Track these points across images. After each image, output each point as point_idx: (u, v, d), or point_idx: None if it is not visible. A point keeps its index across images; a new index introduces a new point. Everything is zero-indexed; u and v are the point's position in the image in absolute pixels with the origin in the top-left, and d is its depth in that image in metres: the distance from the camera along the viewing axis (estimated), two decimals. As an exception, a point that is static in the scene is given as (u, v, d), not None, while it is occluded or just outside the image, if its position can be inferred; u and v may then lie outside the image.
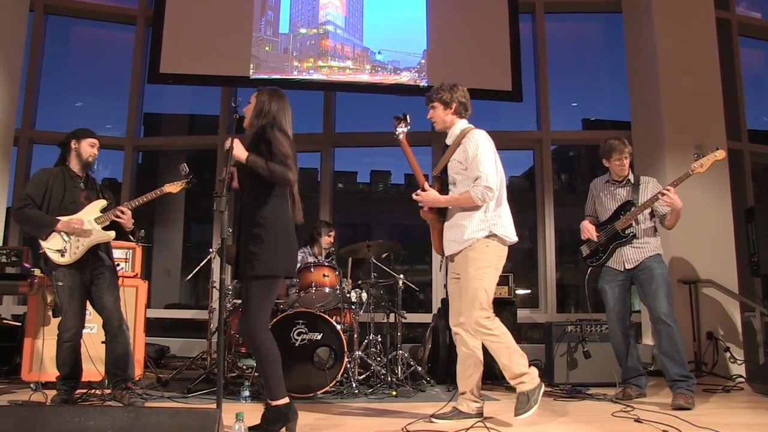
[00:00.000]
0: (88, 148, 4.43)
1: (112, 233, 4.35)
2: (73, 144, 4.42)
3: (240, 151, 3.40)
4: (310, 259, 5.86)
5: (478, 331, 3.75)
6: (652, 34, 7.15)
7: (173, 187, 4.47)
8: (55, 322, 4.35)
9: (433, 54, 7.52)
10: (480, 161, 3.81)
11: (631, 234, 4.80)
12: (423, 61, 7.50)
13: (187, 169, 4.35)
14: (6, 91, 6.64)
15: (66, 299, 4.17)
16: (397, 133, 4.10)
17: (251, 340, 3.39)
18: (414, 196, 4.01)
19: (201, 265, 5.93)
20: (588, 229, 4.96)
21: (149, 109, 8.70)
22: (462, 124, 4.09)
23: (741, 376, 5.99)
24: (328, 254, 5.98)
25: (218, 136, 8.05)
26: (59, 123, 8.50)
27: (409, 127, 4.13)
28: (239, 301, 5.42)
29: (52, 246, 4.18)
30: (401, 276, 5.63)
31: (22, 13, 7.12)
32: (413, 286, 6.15)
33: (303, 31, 7.55)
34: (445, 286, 6.54)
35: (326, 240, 6.11)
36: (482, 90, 7.05)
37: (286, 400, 3.39)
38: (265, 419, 3.39)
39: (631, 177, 4.95)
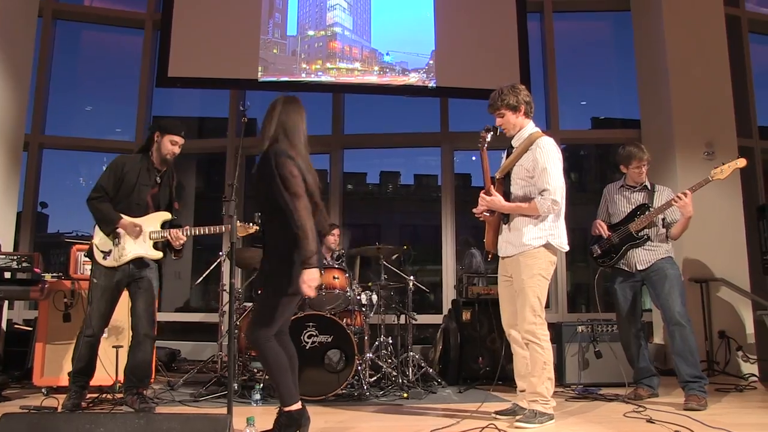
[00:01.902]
0: (168, 144, 4.35)
1: (160, 254, 4.32)
2: (156, 136, 4.36)
3: None
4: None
5: (527, 338, 3.86)
6: (662, 32, 7.11)
7: (241, 230, 4.46)
8: (66, 327, 4.36)
9: (442, 55, 7.50)
10: (550, 174, 3.85)
11: (645, 236, 4.79)
12: (431, 62, 7.49)
13: (259, 222, 4.22)
14: (16, 96, 6.67)
15: (96, 297, 4.15)
16: (481, 139, 4.06)
17: (260, 349, 3.37)
18: (481, 199, 4.04)
19: (211, 268, 5.94)
20: (601, 226, 4.95)
21: (158, 112, 8.72)
22: (531, 127, 4.10)
23: (754, 375, 5.95)
24: (338, 256, 5.97)
25: (227, 139, 8.06)
26: (69, 128, 8.54)
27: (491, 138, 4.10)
28: (250, 304, 5.44)
29: (100, 246, 4.18)
30: (411, 277, 5.62)
31: (31, 19, 7.14)
32: (423, 288, 6.14)
33: (311, 33, 7.55)
34: (455, 287, 6.59)
35: (330, 240, 6.06)
36: (491, 90, 7.00)
37: (298, 405, 3.37)
38: (277, 424, 3.37)
39: (647, 183, 4.94)
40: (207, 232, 4.40)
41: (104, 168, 4.33)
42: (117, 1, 8.84)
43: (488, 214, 4.11)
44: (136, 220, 4.23)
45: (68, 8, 8.31)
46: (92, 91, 9.25)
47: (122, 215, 4.19)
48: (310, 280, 3.24)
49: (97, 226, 4.23)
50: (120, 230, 4.16)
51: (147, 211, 4.30)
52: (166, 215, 4.37)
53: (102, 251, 4.18)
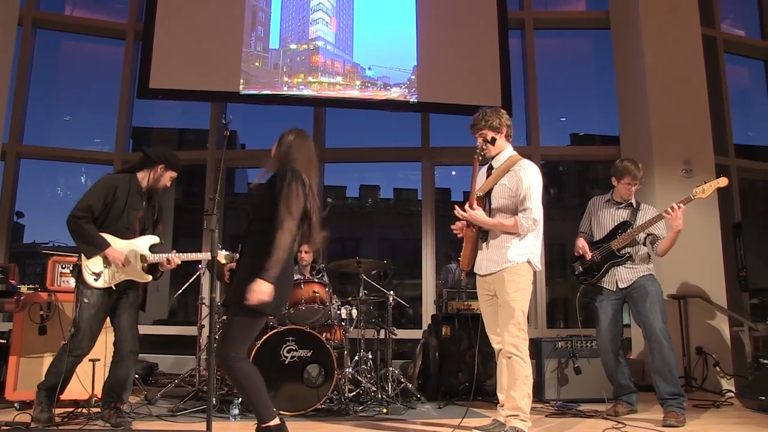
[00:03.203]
0: (168, 180, 4.38)
1: (150, 278, 4.30)
2: (160, 169, 4.33)
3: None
4: (297, 276, 5.80)
5: (510, 351, 3.86)
6: (641, 51, 7.21)
7: (222, 258, 4.46)
8: (41, 340, 4.29)
9: (423, 70, 7.54)
10: (532, 195, 3.94)
11: (626, 255, 4.81)
12: (413, 77, 7.52)
13: (238, 255, 4.10)
14: (-7, 105, 6.61)
15: (87, 317, 4.07)
16: (479, 149, 4.11)
17: (229, 369, 3.34)
18: (461, 212, 4.05)
19: (190, 281, 5.89)
20: (583, 247, 4.96)
21: (138, 123, 8.68)
22: (510, 150, 4.17)
23: (731, 391, 6.00)
24: (318, 270, 5.94)
25: (207, 150, 8.03)
26: (47, 138, 8.47)
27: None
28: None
29: (91, 267, 4.10)
30: (391, 292, 5.61)
31: (11, 27, 7.08)
32: (403, 303, 6.12)
33: (293, 46, 7.56)
34: (435, 302, 6.59)
35: (302, 257, 5.93)
36: (472, 106, 7.05)
37: (276, 420, 3.33)
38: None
39: (633, 201, 4.97)
40: (196, 257, 4.39)
41: (89, 183, 4.28)
42: (98, 10, 8.79)
43: (465, 229, 4.13)
44: (124, 247, 4.18)
45: (49, 17, 8.25)
46: (71, 101, 9.19)
47: (108, 241, 4.13)
48: (260, 291, 3.22)
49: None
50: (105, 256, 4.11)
51: (135, 234, 4.28)
52: (155, 239, 4.35)
53: (93, 273, 4.11)
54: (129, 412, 4.38)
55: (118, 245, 4.16)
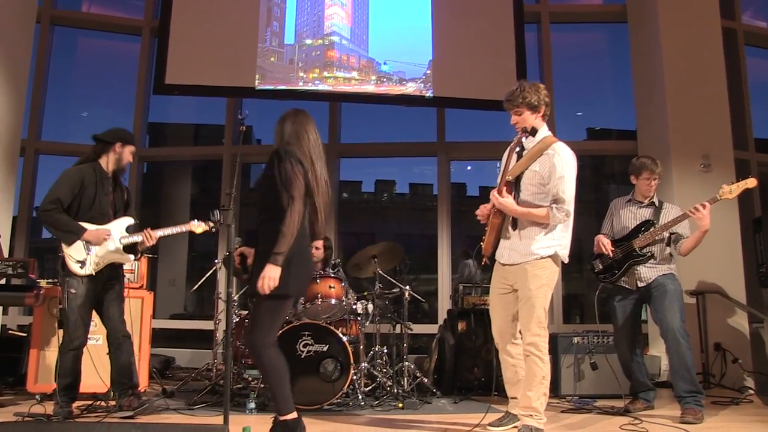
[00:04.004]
0: (129, 155, 4.46)
1: (131, 256, 4.38)
2: (118, 147, 4.41)
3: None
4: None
5: (529, 350, 3.73)
6: (658, 44, 7.14)
7: (198, 228, 4.46)
8: (60, 333, 4.32)
9: (439, 64, 7.52)
10: (566, 184, 3.70)
11: (648, 254, 4.73)
12: (428, 72, 7.50)
13: (218, 217, 4.17)
14: (12, 102, 6.65)
15: (76, 307, 4.15)
16: (517, 140, 3.89)
17: (258, 356, 3.36)
18: (492, 197, 3.85)
19: (206, 276, 5.92)
20: (604, 244, 4.84)
21: (154, 118, 8.72)
22: (545, 130, 3.91)
23: (750, 388, 5.94)
24: (334, 265, 5.95)
25: (223, 146, 8.06)
26: (65, 134, 8.54)
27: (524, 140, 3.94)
28: (245, 312, 5.42)
29: (74, 255, 4.17)
30: (407, 287, 5.60)
31: (29, 25, 7.14)
32: (419, 297, 6.12)
33: (308, 41, 7.56)
34: (451, 297, 6.58)
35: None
36: (487, 100, 7.05)
37: (294, 414, 3.35)
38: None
39: (655, 200, 4.89)
40: (173, 231, 4.46)
41: (61, 178, 4.28)
42: (114, 7, 8.86)
43: (492, 218, 3.92)
44: (102, 228, 4.26)
45: (66, 14, 8.32)
46: (88, 97, 9.26)
47: (85, 226, 4.21)
48: (269, 277, 3.24)
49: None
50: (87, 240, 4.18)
51: (110, 219, 4.35)
52: (130, 220, 4.43)
53: (78, 261, 4.17)
54: (148, 399, 4.43)
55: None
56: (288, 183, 3.34)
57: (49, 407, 4.17)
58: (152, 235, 4.33)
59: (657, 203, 4.88)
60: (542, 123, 3.91)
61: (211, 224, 4.39)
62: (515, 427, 3.84)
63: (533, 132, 3.85)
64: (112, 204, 4.39)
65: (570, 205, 3.72)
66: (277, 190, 3.36)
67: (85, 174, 4.29)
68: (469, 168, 9.44)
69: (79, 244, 4.17)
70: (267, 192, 3.45)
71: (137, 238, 4.32)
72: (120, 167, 4.45)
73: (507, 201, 3.79)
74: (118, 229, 4.33)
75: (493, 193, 3.86)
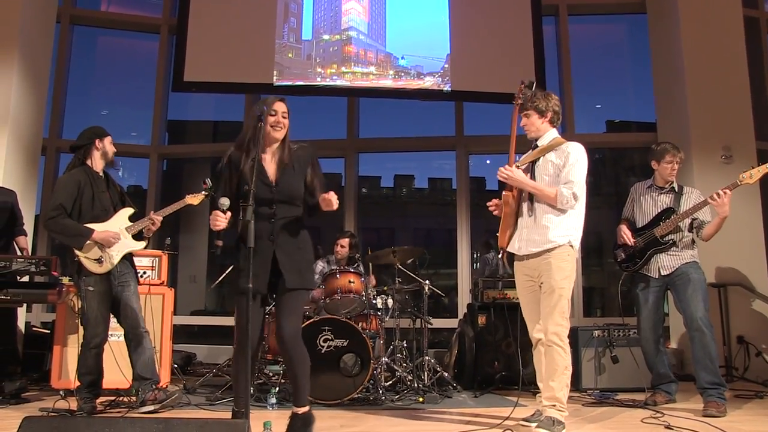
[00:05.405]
0: (110, 146, 4.53)
1: (143, 243, 4.48)
2: (98, 144, 4.47)
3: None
4: (333, 267, 5.84)
5: (552, 341, 3.79)
6: (678, 34, 7.06)
7: (194, 199, 4.61)
8: (82, 330, 4.38)
9: (457, 58, 7.50)
10: (578, 169, 3.87)
11: (670, 241, 4.70)
12: (446, 66, 7.48)
13: (210, 183, 4.38)
14: (34, 101, 6.73)
15: (96, 305, 4.22)
16: (519, 92, 4.14)
17: (298, 346, 3.38)
18: (500, 171, 3.99)
19: (227, 272, 5.94)
20: (625, 234, 4.86)
21: (173, 116, 8.77)
22: (554, 133, 4.10)
23: (773, 381, 5.88)
24: (354, 260, 5.97)
25: (242, 143, 8.07)
26: (85, 132, 8.59)
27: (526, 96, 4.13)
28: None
29: (90, 255, 4.24)
30: (427, 282, 5.60)
31: (49, 25, 7.21)
32: (439, 292, 6.11)
33: (326, 37, 7.57)
34: (471, 291, 6.56)
35: (339, 251, 6.09)
36: (505, 93, 6.99)
37: (307, 408, 3.41)
38: (293, 428, 3.37)
39: (675, 185, 4.86)
40: (172, 209, 4.58)
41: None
42: (133, 6, 8.92)
43: (504, 207, 4.05)
44: (109, 229, 4.32)
45: (85, 14, 8.39)
46: (108, 96, 9.33)
47: (91, 227, 4.27)
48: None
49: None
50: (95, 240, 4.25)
51: (111, 214, 4.44)
52: (130, 210, 4.52)
53: (95, 260, 4.25)
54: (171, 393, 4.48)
55: (101, 228, 4.30)
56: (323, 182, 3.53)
57: (72, 403, 4.25)
58: (156, 218, 4.44)
59: (677, 188, 4.85)
60: (549, 127, 4.10)
61: (204, 192, 4.54)
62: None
63: (531, 85, 4.15)
64: (110, 200, 4.48)
65: (578, 188, 3.83)
66: (268, 189, 3.40)
67: (79, 177, 4.37)
68: (488, 162, 9.39)
69: (90, 244, 4.24)
70: (291, 188, 3.47)
71: (142, 224, 4.44)
72: (108, 161, 4.54)
73: (516, 172, 3.94)
74: (122, 221, 4.43)
75: (504, 167, 3.99)
